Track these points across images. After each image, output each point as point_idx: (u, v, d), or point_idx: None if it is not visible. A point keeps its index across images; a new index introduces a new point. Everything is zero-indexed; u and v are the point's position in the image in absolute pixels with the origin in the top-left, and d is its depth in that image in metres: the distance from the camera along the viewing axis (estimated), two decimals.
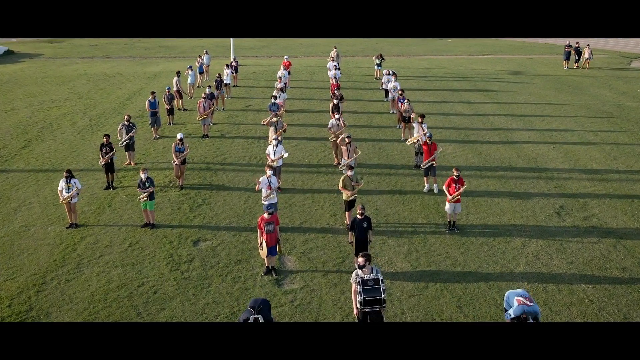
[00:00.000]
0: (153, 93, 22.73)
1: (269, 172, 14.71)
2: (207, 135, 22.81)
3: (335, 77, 28.55)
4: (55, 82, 34.27)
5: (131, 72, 36.91)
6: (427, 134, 17.55)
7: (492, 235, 14.89)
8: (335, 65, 29.39)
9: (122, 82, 34.11)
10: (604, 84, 34.00)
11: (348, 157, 17.34)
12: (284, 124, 19.67)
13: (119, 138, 19.47)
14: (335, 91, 24.64)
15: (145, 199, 14.70)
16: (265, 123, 20.84)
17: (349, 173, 14.87)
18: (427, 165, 17.46)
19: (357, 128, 24.13)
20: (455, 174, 14.92)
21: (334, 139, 19.47)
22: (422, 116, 19.45)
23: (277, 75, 29.06)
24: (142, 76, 35.74)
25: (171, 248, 14.15)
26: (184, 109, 27.01)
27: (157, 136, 22.79)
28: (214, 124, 24.67)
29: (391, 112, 26.76)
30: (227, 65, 29.31)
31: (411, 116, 21.91)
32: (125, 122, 19.40)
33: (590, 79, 35.51)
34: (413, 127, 21.37)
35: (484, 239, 14.68)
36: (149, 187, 14.66)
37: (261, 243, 12.74)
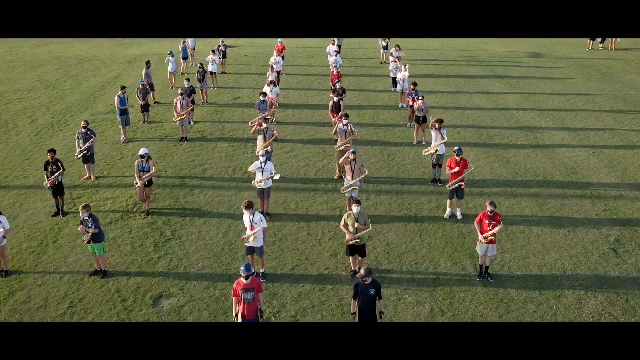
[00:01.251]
0: (123, 88, 19.27)
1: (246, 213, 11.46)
2: (185, 138, 19.40)
3: (335, 66, 24.95)
4: (23, 68, 30.66)
5: (109, 55, 33.24)
6: (456, 149, 14.15)
7: (536, 287, 11.65)
8: (336, 50, 25.75)
9: (98, 67, 30.50)
10: (636, 68, 30.40)
11: (352, 178, 13.99)
12: (275, 132, 16.23)
13: (77, 149, 16.10)
14: (336, 84, 21.09)
15: (89, 241, 11.43)
16: (253, 132, 17.40)
17: (354, 210, 11.56)
18: (453, 187, 14.13)
19: (361, 127, 20.71)
20: (489, 209, 11.61)
21: (341, 148, 16.09)
22: (440, 121, 16.02)
23: (270, 63, 25.48)
24: (120, 60, 32.09)
25: (123, 310, 10.90)
26: (155, 102, 23.49)
27: (127, 139, 19.39)
28: (195, 122, 21.24)
29: (400, 105, 23.31)
30: (213, 51, 25.68)
31: (428, 118, 18.47)
32: (82, 130, 16.00)
33: (619, 62, 31.87)
34: (427, 129, 18.05)
35: (527, 293, 11.45)
36: (90, 227, 11.36)
37: (236, 314, 9.54)
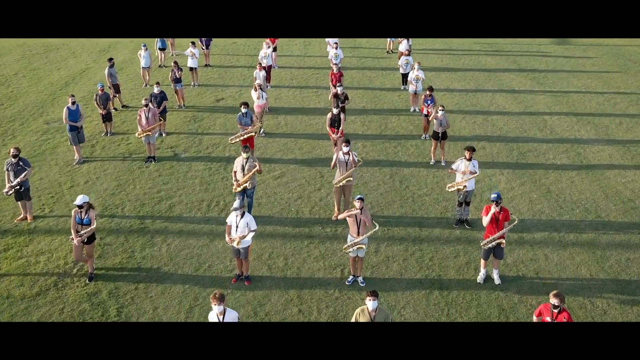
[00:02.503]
0: (72, 97, 15.68)
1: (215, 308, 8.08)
2: (153, 158, 15.89)
3: (335, 62, 21.26)
4: None
5: (79, 43, 29.41)
6: (494, 196, 10.63)
7: None
8: (336, 42, 22.02)
9: (65, 58, 26.75)
10: None
11: (358, 234, 10.56)
12: (257, 165, 12.67)
13: (7, 183, 12.65)
14: (337, 89, 17.46)
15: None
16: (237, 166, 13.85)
17: (370, 306, 8.15)
18: (490, 245, 10.70)
19: (366, 140, 17.23)
20: (554, 302, 8.21)
21: (341, 184, 12.66)
22: (472, 150, 12.49)
23: (259, 57, 21.79)
24: (92, 49, 28.31)
25: None
26: (123, 106, 19.92)
27: (82, 159, 15.90)
28: (167, 133, 17.69)
29: (412, 110, 19.75)
30: (192, 43, 21.95)
31: (448, 134, 14.99)
32: (12, 160, 12.51)
33: None
34: (446, 147, 14.62)
35: None
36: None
37: None
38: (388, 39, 26.92)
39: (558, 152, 16.72)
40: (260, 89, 17.35)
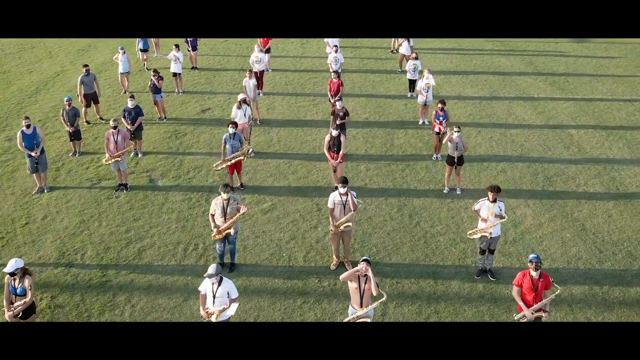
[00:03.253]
0: (26, 120, 13.49)
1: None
2: (124, 186, 13.79)
3: (336, 70, 19.04)
4: None
5: (57, 41, 27.11)
6: (533, 257, 8.52)
7: None
8: (335, 45, 19.77)
9: (40, 59, 24.50)
10: None
11: (361, 305, 8.49)
12: (241, 207, 10.53)
13: None
14: (336, 104, 15.29)
15: None
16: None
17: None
18: (526, 321, 8.64)
19: (370, 161, 15.13)
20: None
21: (340, 229, 10.58)
22: (497, 191, 10.34)
23: (250, 61, 19.57)
24: (70, 48, 26.03)
25: None
26: (102, 119, 17.77)
27: (41, 187, 13.78)
28: (143, 153, 15.56)
29: (421, 122, 17.60)
30: (176, 46, 19.70)
31: (460, 148, 12.92)
32: None
33: None
34: (462, 172, 12.56)
35: None
36: None
37: None
38: (393, 38, 24.63)
39: (589, 176, 14.60)
40: (245, 103, 15.15)
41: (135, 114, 15.01)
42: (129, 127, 14.99)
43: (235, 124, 13.31)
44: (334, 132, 13.20)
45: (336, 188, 13.60)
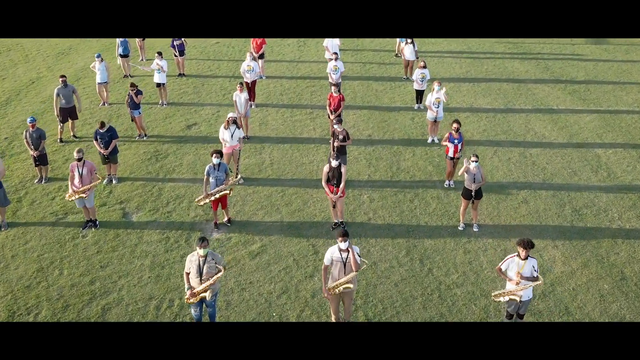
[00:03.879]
0: None
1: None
2: (92, 222, 12.01)
3: (336, 82, 17.21)
4: None
5: (36, 44, 25.23)
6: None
7: None
8: (335, 53, 17.90)
9: (15, 63, 22.66)
10: None
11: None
12: (220, 267, 8.73)
13: None
14: (335, 126, 13.48)
15: None
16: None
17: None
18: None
19: (374, 189, 13.39)
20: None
21: (338, 290, 8.81)
22: (529, 246, 8.55)
23: (241, 70, 17.73)
24: (49, 51, 24.17)
25: None
26: (75, 137, 16.00)
27: (0, 225, 11.99)
28: (118, 180, 13.79)
29: (430, 140, 15.82)
30: (159, 54, 17.84)
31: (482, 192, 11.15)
32: None
33: None
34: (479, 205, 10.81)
35: None
36: None
37: None
38: (397, 40, 22.75)
39: (623, 207, 12.83)
40: (235, 123, 13.35)
41: (109, 137, 13.22)
42: (101, 151, 13.22)
43: (219, 153, 11.52)
44: (334, 163, 11.41)
45: (335, 226, 11.93)
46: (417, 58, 20.00)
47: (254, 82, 17.67)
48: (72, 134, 15.92)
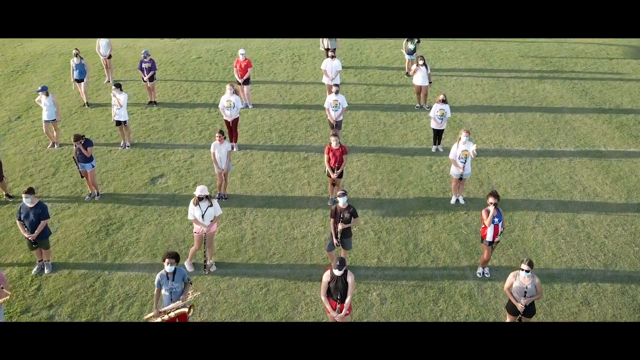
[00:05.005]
0: None
1: None
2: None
3: (336, 122, 14.00)
4: None
5: None
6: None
7: None
8: (337, 85, 14.53)
9: None
10: None
11: None
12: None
13: None
14: (339, 199, 10.18)
15: None
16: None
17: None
18: None
19: (385, 282, 10.23)
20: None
21: None
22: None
23: (220, 106, 14.45)
24: (2, 69, 20.76)
25: None
26: (9, 197, 12.76)
27: None
28: (52, 266, 10.57)
29: (454, 200, 12.68)
30: (116, 87, 14.47)
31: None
32: None
33: None
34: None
35: None
36: None
37: None
38: (406, 57, 19.38)
39: None
40: (207, 199, 10.11)
41: (35, 216, 9.97)
42: (27, 236, 10.01)
43: (174, 257, 8.29)
44: (337, 272, 8.20)
45: None
46: (431, 82, 16.74)
47: (235, 121, 14.41)
48: (4, 194, 12.67)
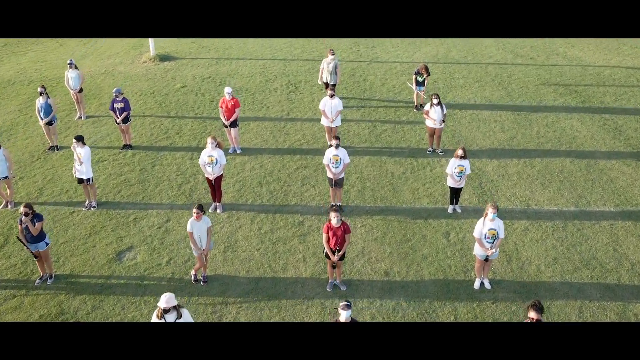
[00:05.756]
0: None
1: None
2: None
3: (337, 180, 12.02)
4: None
5: None
6: None
7: None
8: (337, 139, 12.32)
9: None
10: None
11: None
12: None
13: None
14: (343, 313, 8.02)
15: None
16: None
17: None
18: None
19: None
20: None
21: None
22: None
23: (200, 162, 12.33)
24: None
25: None
26: None
27: None
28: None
29: (478, 284, 10.56)
30: (77, 140, 12.29)
31: None
32: None
33: None
34: None
35: None
36: None
37: None
38: (415, 89, 17.23)
39: None
40: (176, 309, 7.99)
41: None
42: None
43: None
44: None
45: None
46: (444, 121, 14.63)
47: (218, 179, 12.28)
48: None
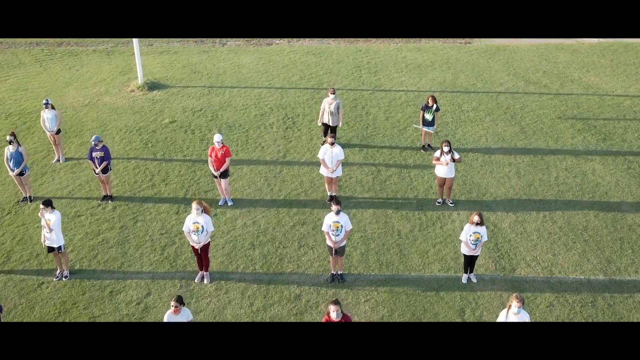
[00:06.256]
0: None
1: None
2: None
3: (337, 249, 10.69)
4: None
5: None
6: None
7: None
8: (338, 204, 10.94)
9: None
10: None
11: None
12: None
13: None
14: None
15: None
16: None
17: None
18: None
19: None
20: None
21: None
22: None
23: (185, 230, 11.04)
24: None
25: None
26: None
27: None
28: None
29: None
30: (45, 205, 10.95)
31: None
32: None
33: None
34: None
35: None
36: None
37: None
38: (423, 129, 15.87)
39: None
40: None
41: None
42: None
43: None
44: None
45: None
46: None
47: (205, 247, 10.94)
48: None
